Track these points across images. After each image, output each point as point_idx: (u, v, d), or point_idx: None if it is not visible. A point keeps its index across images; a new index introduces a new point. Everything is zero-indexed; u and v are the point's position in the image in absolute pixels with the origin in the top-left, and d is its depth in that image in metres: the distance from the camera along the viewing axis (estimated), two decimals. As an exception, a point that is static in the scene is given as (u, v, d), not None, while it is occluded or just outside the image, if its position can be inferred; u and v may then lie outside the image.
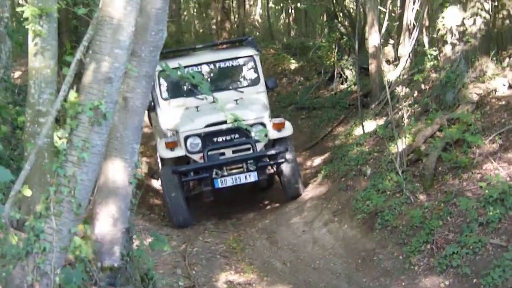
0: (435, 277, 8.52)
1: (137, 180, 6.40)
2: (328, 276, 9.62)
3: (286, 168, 12.55)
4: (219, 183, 12.18)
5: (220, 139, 12.33)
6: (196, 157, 12.25)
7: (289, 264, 10.31)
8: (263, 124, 12.24)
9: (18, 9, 9.38)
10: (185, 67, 8.83)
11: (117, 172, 6.14)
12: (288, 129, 12.67)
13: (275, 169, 12.84)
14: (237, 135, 12.29)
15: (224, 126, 12.14)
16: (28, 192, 7.47)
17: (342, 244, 10.50)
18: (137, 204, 6.60)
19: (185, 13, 40.86)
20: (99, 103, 5.16)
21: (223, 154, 12.34)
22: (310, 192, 13.13)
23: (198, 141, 12.22)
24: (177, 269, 9.79)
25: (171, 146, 12.24)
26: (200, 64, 13.33)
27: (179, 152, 12.26)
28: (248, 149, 12.33)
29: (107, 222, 6.18)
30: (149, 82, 6.24)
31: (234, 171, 12.31)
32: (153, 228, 12.18)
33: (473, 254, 8.34)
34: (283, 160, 12.43)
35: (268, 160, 12.48)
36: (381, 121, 14.51)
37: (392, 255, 9.42)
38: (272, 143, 12.66)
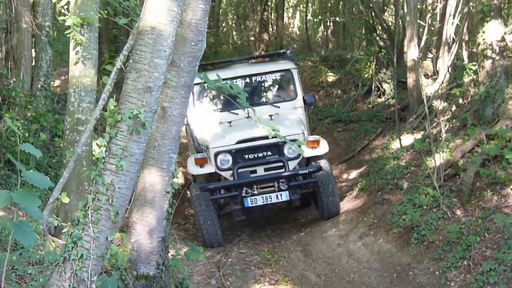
0: (471, 293, 8.43)
1: (173, 190, 6.43)
2: (362, 290, 9.59)
3: (321, 187, 12.10)
4: (249, 202, 11.72)
5: (251, 156, 11.92)
6: (226, 174, 11.89)
7: (324, 277, 10.26)
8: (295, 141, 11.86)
9: (60, 18, 9.53)
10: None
11: (154, 181, 6.18)
12: (323, 147, 12.21)
13: (310, 188, 12.44)
14: (269, 153, 11.93)
15: (256, 143, 11.88)
16: (66, 199, 7.58)
17: (377, 258, 10.43)
18: (173, 213, 6.63)
19: (223, 24, 41.05)
20: (138, 112, 5.20)
21: (255, 171, 11.94)
22: (346, 205, 13.07)
23: (228, 157, 11.84)
24: (211, 280, 9.81)
25: (201, 162, 11.89)
26: (237, 78, 13.09)
27: (209, 169, 11.91)
28: (281, 167, 11.86)
29: (144, 231, 6.22)
30: (187, 92, 6.28)
31: (265, 189, 11.86)
32: (188, 238, 12.24)
33: (510, 272, 8.23)
34: (316, 179, 11.99)
35: (301, 179, 12.01)
36: (418, 135, 14.42)
37: (428, 271, 9.33)
38: (306, 161, 12.41)
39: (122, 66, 5.58)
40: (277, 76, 13.58)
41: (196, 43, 6.11)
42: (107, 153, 5.32)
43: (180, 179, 15.35)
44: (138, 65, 5.28)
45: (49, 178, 5.15)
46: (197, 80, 7.02)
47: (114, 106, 5.34)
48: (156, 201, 6.20)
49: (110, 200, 5.27)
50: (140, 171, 6.01)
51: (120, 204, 5.34)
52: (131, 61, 5.35)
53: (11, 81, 12.13)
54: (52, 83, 15.03)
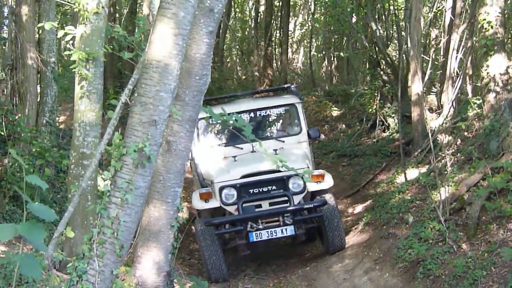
0: (478, 328, 8.37)
1: (178, 224, 6.42)
2: (369, 325, 9.52)
3: (326, 222, 12.03)
4: (254, 237, 11.64)
5: (256, 190, 11.84)
6: (231, 209, 11.80)
7: (330, 312, 10.21)
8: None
9: (66, 53, 9.59)
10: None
11: (159, 215, 6.18)
12: (328, 181, 12.15)
13: (315, 223, 12.33)
14: (274, 187, 11.86)
15: (260, 177, 11.83)
16: (71, 234, 7.54)
17: (384, 293, 10.38)
18: (178, 248, 6.61)
19: (228, 59, 41.26)
20: (143, 145, 5.21)
21: (260, 206, 11.86)
22: (351, 239, 13.02)
23: (233, 192, 11.78)
24: (217, 315, 9.75)
25: (206, 197, 11.84)
26: (242, 112, 13.08)
27: (214, 203, 11.84)
28: (286, 201, 11.76)
29: (149, 265, 6.20)
30: (192, 126, 6.30)
31: (270, 224, 11.76)
32: (193, 273, 12.17)
33: (517, 305, 8.18)
34: (321, 213, 11.91)
35: (306, 214, 11.95)
36: (423, 169, 14.41)
37: (434, 305, 9.28)
38: (311, 195, 12.35)
39: (127, 100, 5.60)
40: (282, 110, 13.61)
41: (201, 77, 6.14)
42: (112, 186, 5.32)
43: (185, 214, 15.31)
44: (144, 98, 5.30)
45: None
46: (202, 114, 7.03)
47: (119, 140, 5.35)
48: (161, 235, 6.19)
49: (115, 233, 5.26)
50: (145, 205, 6.00)
51: (125, 238, 5.33)
52: (136, 94, 5.37)
53: (17, 117, 12.17)
54: (57, 118, 15.08)
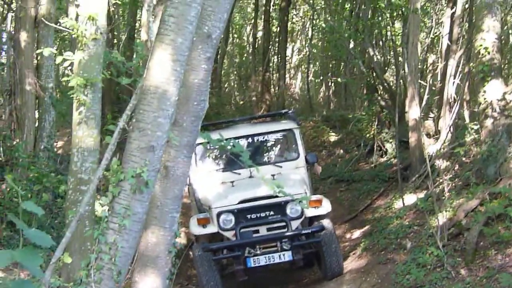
0: None
1: (176, 250, 6.41)
2: None
3: (324, 247, 11.95)
4: (252, 262, 11.61)
5: (254, 216, 11.82)
6: (229, 234, 11.80)
7: (328, 338, 10.16)
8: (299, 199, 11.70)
9: (64, 79, 9.62)
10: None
11: (157, 241, 6.15)
12: (325, 207, 12.11)
13: (313, 248, 12.24)
14: (271, 212, 11.83)
15: (258, 203, 11.80)
16: (68, 259, 7.52)
17: (382, 319, 10.35)
18: (176, 273, 6.59)
19: (226, 85, 41.34)
20: (141, 171, 5.21)
21: (257, 231, 11.84)
22: (349, 265, 12.98)
23: (231, 217, 11.75)
24: None
25: (203, 222, 11.84)
26: (239, 138, 13.03)
27: (211, 229, 11.82)
28: (283, 227, 11.77)
29: (146, 291, 6.17)
30: (190, 152, 6.30)
31: (268, 249, 11.74)
32: (191, 299, 12.13)
33: (516, 332, 8.15)
34: (319, 239, 11.87)
35: (304, 239, 11.91)
36: (421, 195, 14.40)
37: (433, 331, 9.24)
38: (309, 221, 12.29)
39: (125, 126, 5.61)
40: (279, 136, 13.63)
41: (199, 102, 6.15)
42: (110, 212, 5.32)
43: (182, 239, 15.27)
44: (141, 124, 5.31)
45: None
46: (199, 140, 7.04)
47: (117, 165, 5.36)
48: (159, 260, 6.17)
49: (113, 259, 5.25)
50: (142, 231, 5.99)
51: (123, 263, 5.31)
52: (134, 120, 5.38)
53: (15, 142, 12.19)
54: (55, 144, 15.10)
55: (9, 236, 10.90)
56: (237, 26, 41.02)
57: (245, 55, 40.36)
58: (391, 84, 24.25)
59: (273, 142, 13.67)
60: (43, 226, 11.52)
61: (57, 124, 15.83)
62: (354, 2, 24.26)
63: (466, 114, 16.01)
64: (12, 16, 15.04)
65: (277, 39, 34.27)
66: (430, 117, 19.74)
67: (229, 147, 6.93)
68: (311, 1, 32.42)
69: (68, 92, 8.95)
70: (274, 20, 35.27)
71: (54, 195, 12.82)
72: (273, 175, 12.36)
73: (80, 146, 8.76)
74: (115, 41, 28.11)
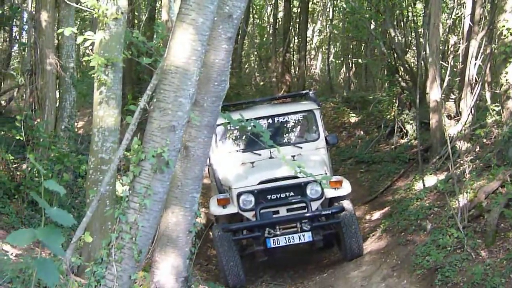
0: (496, 336, 8.31)
1: (196, 230, 6.42)
2: (386, 332, 9.49)
3: (344, 228, 11.96)
4: (272, 243, 11.64)
5: (274, 196, 11.85)
6: (248, 214, 11.82)
7: (347, 318, 10.18)
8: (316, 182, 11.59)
9: (84, 59, 9.63)
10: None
11: (177, 221, 6.18)
12: (345, 188, 12.10)
13: (333, 229, 12.29)
14: (291, 193, 11.85)
15: (278, 183, 11.83)
16: (89, 239, 7.57)
17: (401, 300, 10.34)
18: (196, 254, 6.61)
19: (246, 66, 41.26)
20: (162, 151, 5.21)
21: (277, 212, 11.85)
22: (369, 246, 12.98)
23: (251, 198, 11.78)
24: (233, 321, 9.72)
25: (223, 203, 11.86)
26: (259, 118, 13.06)
27: (231, 209, 11.85)
28: (303, 207, 11.76)
29: (166, 270, 6.20)
30: (210, 132, 6.30)
31: (287, 230, 11.76)
32: (211, 279, 12.18)
33: (536, 313, 8.13)
34: (339, 220, 11.88)
35: (324, 220, 11.96)
36: (441, 176, 14.35)
37: (453, 312, 9.23)
38: (329, 202, 12.31)
39: (146, 106, 5.61)
40: (300, 116, 13.62)
41: (219, 83, 6.15)
42: (130, 191, 5.33)
43: (202, 220, 15.32)
44: (162, 104, 5.31)
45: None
46: (220, 120, 7.04)
47: (138, 145, 5.36)
48: (179, 240, 6.19)
49: (134, 238, 5.26)
50: (163, 210, 6.01)
51: (144, 243, 5.33)
52: (155, 100, 5.38)
53: (36, 122, 12.22)
54: (75, 124, 15.14)
55: (31, 216, 10.97)
56: (258, 7, 40.83)
57: (266, 36, 40.20)
58: (412, 65, 24.11)
59: (293, 123, 13.64)
60: (64, 206, 11.58)
61: (78, 104, 15.87)
62: (375, -17, 24.07)
63: (488, 95, 15.90)
64: (33, -4, 15.07)
65: (297, 20, 34.11)
66: (451, 99, 19.64)
67: (249, 128, 6.93)
68: (332, -18, 32.28)
69: (89, 72, 8.97)
70: (295, 1, 35.08)
71: (75, 175, 12.88)
72: (293, 156, 12.36)
73: (101, 126, 8.78)
74: (136, 21, 28.12)
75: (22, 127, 11.69)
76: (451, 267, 9.93)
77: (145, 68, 20.14)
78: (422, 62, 19.39)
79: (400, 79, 22.18)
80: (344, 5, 27.24)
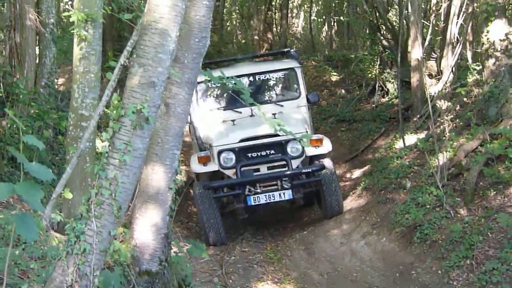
0: (474, 292, 8.42)
1: (176, 186, 6.42)
2: (365, 289, 9.58)
3: (324, 186, 12.06)
4: (252, 201, 11.70)
5: (254, 154, 11.89)
6: (229, 172, 11.86)
7: (326, 275, 10.27)
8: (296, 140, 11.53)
9: (64, 15, 9.54)
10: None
11: (157, 177, 6.17)
12: (326, 146, 12.20)
13: (313, 187, 12.41)
14: (272, 151, 11.89)
15: (259, 141, 11.87)
16: (69, 195, 7.56)
17: (380, 257, 10.43)
18: (176, 211, 6.62)
19: (228, 24, 41.04)
20: (141, 107, 5.18)
21: (258, 170, 11.91)
22: (349, 204, 13.06)
23: (231, 156, 11.82)
24: (214, 278, 9.79)
25: (204, 161, 11.88)
26: (241, 76, 12.93)
27: (212, 167, 11.91)
28: (284, 165, 11.82)
29: (146, 227, 6.20)
30: (191, 89, 6.26)
31: (268, 188, 11.83)
32: (191, 236, 12.23)
33: (513, 271, 8.22)
34: (319, 178, 11.99)
35: (304, 178, 12.03)
36: (422, 135, 14.42)
37: (431, 270, 9.32)
38: (309, 160, 12.36)
39: (126, 62, 5.57)
40: (281, 74, 13.59)
41: (200, 39, 6.10)
42: (110, 147, 5.30)
43: (183, 177, 15.34)
44: (142, 60, 5.26)
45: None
46: (201, 77, 7.01)
47: (118, 101, 5.32)
48: (159, 197, 6.18)
49: (113, 194, 5.24)
50: (143, 167, 6.00)
51: (123, 199, 5.31)
52: (135, 56, 5.34)
53: (15, 78, 12.12)
54: (56, 80, 15.03)
55: (10, 172, 10.91)
56: (240, -36, 40.56)
57: (248, -7, 39.98)
58: (394, 24, 24.04)
59: (274, 81, 13.62)
60: (44, 162, 11.51)
61: (58, 61, 15.76)
62: None
63: (469, 54, 15.89)
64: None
65: (280, -22, 33.94)
66: (433, 58, 19.64)
67: (230, 85, 6.90)
68: None
69: (69, 28, 8.89)
70: (277, -42, 34.87)
71: (55, 132, 12.82)
72: (274, 114, 12.33)
73: (80, 82, 8.73)
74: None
75: (1, 84, 11.58)
76: (430, 225, 10.03)
77: (126, 25, 20.01)
78: (404, 20, 19.32)
79: (381, 37, 22.16)
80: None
